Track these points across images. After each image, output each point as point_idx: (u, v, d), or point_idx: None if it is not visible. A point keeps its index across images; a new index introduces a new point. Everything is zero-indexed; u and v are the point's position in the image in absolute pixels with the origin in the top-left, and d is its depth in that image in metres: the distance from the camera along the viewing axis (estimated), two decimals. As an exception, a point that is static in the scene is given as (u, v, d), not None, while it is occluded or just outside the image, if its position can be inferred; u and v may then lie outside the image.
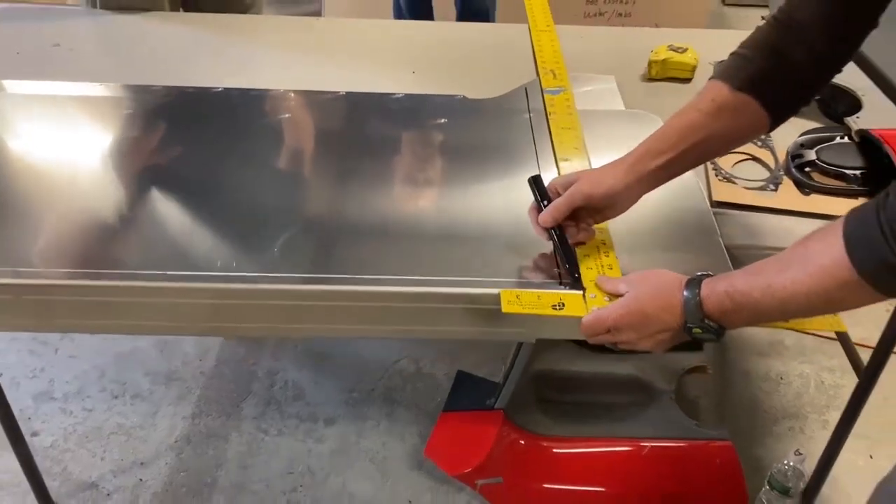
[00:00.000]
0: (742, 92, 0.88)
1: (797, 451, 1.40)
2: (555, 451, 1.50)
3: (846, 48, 0.89)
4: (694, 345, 1.65)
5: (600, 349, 1.58)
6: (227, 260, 0.94)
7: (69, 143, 1.16)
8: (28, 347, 1.77)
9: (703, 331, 0.83)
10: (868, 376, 1.21)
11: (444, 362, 1.78)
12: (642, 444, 1.52)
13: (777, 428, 1.66)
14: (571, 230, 0.95)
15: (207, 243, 0.98)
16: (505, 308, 0.88)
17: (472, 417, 1.51)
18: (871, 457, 1.59)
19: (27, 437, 1.51)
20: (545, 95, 1.28)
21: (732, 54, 0.92)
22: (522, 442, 1.50)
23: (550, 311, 0.88)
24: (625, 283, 0.88)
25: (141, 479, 1.52)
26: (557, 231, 0.94)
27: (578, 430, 1.54)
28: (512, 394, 1.52)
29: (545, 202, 0.94)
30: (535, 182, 0.97)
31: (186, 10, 1.67)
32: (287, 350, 1.80)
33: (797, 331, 1.88)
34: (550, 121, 1.21)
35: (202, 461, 1.55)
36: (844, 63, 0.91)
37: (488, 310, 0.91)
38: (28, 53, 1.39)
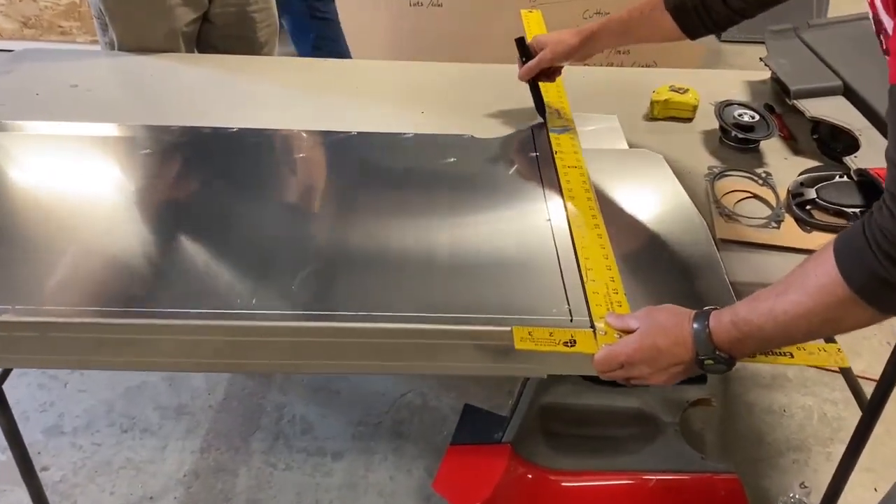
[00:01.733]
0: (667, 12, 1.16)
1: (802, 483, 1.42)
2: (563, 484, 1.51)
3: (756, 10, 1.12)
4: (698, 378, 1.69)
5: (610, 384, 1.61)
6: (242, 297, 0.96)
7: (87, 182, 1.18)
8: (38, 381, 1.78)
9: (714, 362, 0.86)
10: (871, 410, 1.23)
11: (450, 396, 1.80)
12: (648, 477, 1.53)
13: (782, 460, 1.67)
14: (543, 78, 1.34)
15: (221, 281, 1.00)
16: (518, 345, 0.90)
17: (480, 451, 1.52)
18: (875, 489, 1.60)
19: (39, 473, 1.53)
20: (551, 134, 1.31)
21: None
22: (530, 476, 1.51)
23: (562, 349, 0.90)
24: (635, 319, 0.91)
25: (150, 514, 1.53)
26: (532, 82, 1.34)
27: (585, 464, 1.55)
28: (519, 427, 1.54)
29: (524, 59, 1.32)
30: (519, 43, 1.34)
31: (201, 51, 1.71)
32: (294, 384, 1.82)
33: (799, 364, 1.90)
34: (556, 159, 1.24)
35: (211, 495, 1.56)
36: (751, 17, 1.13)
37: (499, 346, 0.93)
38: (47, 94, 1.42)
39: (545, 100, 1.37)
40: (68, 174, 1.20)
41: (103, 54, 1.57)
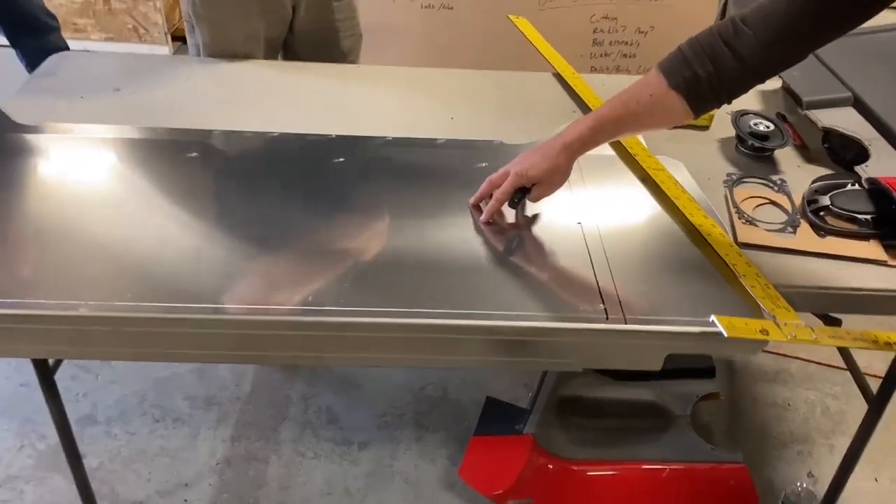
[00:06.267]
0: (676, 91, 1.05)
1: (809, 472, 1.50)
2: (582, 473, 1.58)
3: (776, 71, 1.04)
4: (708, 372, 1.77)
5: (625, 378, 1.70)
6: (295, 294, 1.02)
7: (136, 184, 1.25)
8: (70, 373, 1.84)
9: None
10: (878, 404, 1.31)
11: (469, 389, 1.87)
12: (662, 466, 1.61)
13: (786, 452, 1.76)
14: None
15: (274, 279, 1.06)
16: (729, 333, 0.95)
17: (503, 442, 1.60)
18: (876, 479, 1.69)
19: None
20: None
21: (678, 49, 1.07)
22: (551, 466, 1.58)
23: (759, 336, 0.96)
24: None
25: (186, 500, 1.59)
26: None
27: (602, 454, 1.62)
28: (539, 419, 1.62)
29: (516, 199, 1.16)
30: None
31: (286, 59, 1.77)
32: (319, 377, 1.88)
33: (803, 360, 1.99)
34: (638, 161, 1.32)
35: (244, 482, 1.63)
36: (766, 79, 1.04)
37: (543, 342, 1.00)
38: (91, 97, 1.47)
39: (587, 101, 1.48)
40: (115, 176, 1.27)
41: (145, 58, 1.63)
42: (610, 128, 1.11)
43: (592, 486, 1.59)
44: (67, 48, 2.36)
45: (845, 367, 1.52)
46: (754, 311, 1.02)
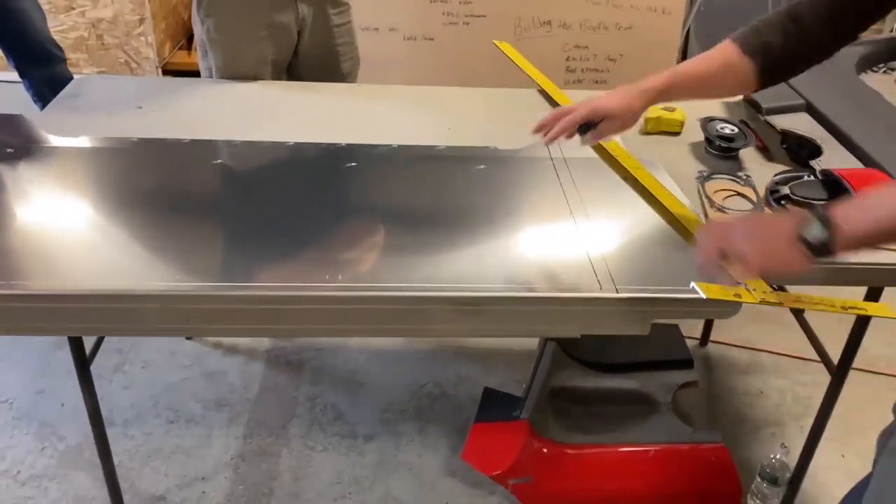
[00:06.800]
0: (747, 57, 1.14)
1: (782, 444, 1.64)
2: (575, 456, 1.70)
3: (838, 45, 1.13)
4: (685, 363, 1.91)
5: (611, 370, 1.83)
6: (328, 275, 1.15)
7: (158, 184, 1.38)
8: (85, 380, 1.93)
9: (820, 225, 0.85)
10: (839, 375, 1.47)
11: (465, 386, 1.99)
12: (648, 448, 1.74)
13: (761, 434, 1.90)
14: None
15: (310, 264, 1.19)
16: (708, 294, 1.05)
17: (502, 427, 1.72)
18: (842, 455, 1.84)
19: (95, 459, 1.68)
20: (603, 143, 1.51)
21: (750, 26, 1.16)
22: (545, 450, 1.70)
23: (734, 298, 1.07)
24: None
25: (204, 492, 1.68)
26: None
27: (592, 438, 1.75)
28: (533, 406, 1.74)
29: (583, 128, 1.23)
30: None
31: (290, 79, 1.91)
32: (323, 377, 1.99)
33: (774, 353, 2.15)
34: (620, 160, 1.46)
35: (258, 475, 1.72)
36: (831, 54, 1.13)
37: (547, 310, 1.14)
38: (116, 114, 1.59)
39: None
40: (147, 179, 1.39)
41: (163, 80, 1.76)
42: (683, 84, 1.18)
43: (585, 467, 1.71)
44: (72, 78, 2.48)
45: (813, 358, 1.66)
46: (728, 280, 1.17)
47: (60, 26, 3.28)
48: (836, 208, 0.87)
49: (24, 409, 1.86)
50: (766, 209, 1.37)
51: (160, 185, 1.38)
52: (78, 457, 1.74)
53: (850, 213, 0.86)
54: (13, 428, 1.81)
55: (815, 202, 1.34)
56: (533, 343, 1.92)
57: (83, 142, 1.45)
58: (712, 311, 1.18)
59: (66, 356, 1.97)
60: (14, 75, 2.53)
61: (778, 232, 0.90)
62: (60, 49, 2.46)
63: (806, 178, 1.40)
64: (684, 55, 4.04)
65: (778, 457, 1.63)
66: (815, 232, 0.86)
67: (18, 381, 1.94)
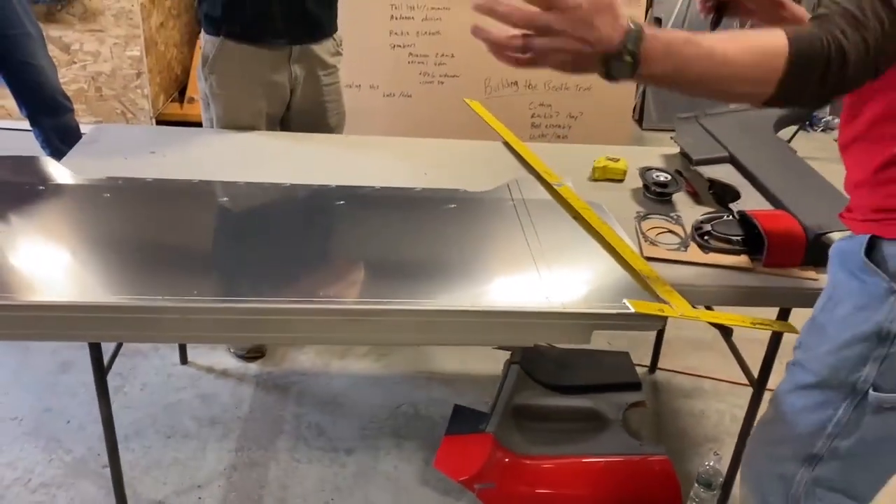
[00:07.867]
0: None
1: (715, 451, 1.86)
2: (534, 465, 1.91)
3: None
4: (634, 386, 2.14)
5: (569, 391, 2.05)
6: (336, 292, 1.37)
7: (171, 217, 1.60)
8: (88, 398, 2.10)
9: (628, 58, 0.91)
10: (759, 384, 1.70)
11: (437, 406, 2.20)
12: (598, 459, 1.95)
13: (701, 449, 2.12)
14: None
15: (324, 283, 1.41)
16: (637, 309, 1.30)
17: (469, 439, 1.92)
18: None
19: (100, 469, 1.86)
20: (556, 187, 1.76)
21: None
22: (507, 460, 1.91)
23: (659, 312, 1.32)
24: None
25: (200, 498, 1.86)
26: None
27: (549, 450, 1.96)
28: (498, 421, 1.95)
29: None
30: None
31: (283, 130, 2.15)
32: (308, 398, 2.19)
33: (715, 379, 2.38)
34: (570, 201, 1.70)
35: (249, 483, 1.90)
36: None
37: (502, 322, 1.36)
38: (133, 158, 1.82)
39: (535, 165, 1.85)
40: (162, 213, 1.61)
41: (168, 129, 2.00)
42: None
43: (543, 475, 1.92)
44: (78, 127, 2.71)
45: (748, 383, 1.88)
46: (655, 298, 1.41)
47: (62, 79, 3.50)
48: (648, 41, 0.91)
49: (32, 426, 2.03)
50: (693, 243, 1.62)
51: (172, 218, 1.60)
52: (84, 467, 1.91)
53: (657, 56, 0.91)
54: (23, 442, 1.98)
55: (732, 237, 1.60)
56: (498, 368, 2.14)
57: (105, 181, 1.67)
58: (642, 325, 1.41)
59: (70, 379, 2.17)
60: (23, 123, 2.76)
61: (596, 38, 0.91)
62: (69, 100, 2.69)
63: (725, 217, 1.66)
64: (641, 115, 4.38)
65: (712, 464, 1.85)
66: (619, 69, 0.93)
67: (26, 401, 2.11)
